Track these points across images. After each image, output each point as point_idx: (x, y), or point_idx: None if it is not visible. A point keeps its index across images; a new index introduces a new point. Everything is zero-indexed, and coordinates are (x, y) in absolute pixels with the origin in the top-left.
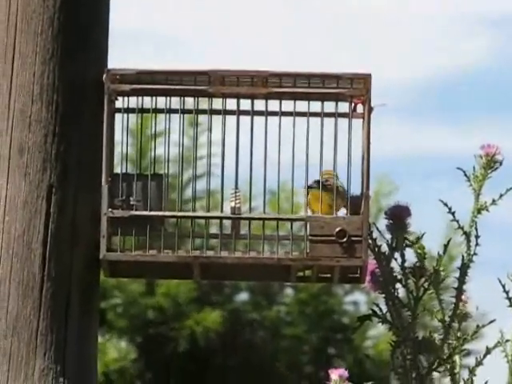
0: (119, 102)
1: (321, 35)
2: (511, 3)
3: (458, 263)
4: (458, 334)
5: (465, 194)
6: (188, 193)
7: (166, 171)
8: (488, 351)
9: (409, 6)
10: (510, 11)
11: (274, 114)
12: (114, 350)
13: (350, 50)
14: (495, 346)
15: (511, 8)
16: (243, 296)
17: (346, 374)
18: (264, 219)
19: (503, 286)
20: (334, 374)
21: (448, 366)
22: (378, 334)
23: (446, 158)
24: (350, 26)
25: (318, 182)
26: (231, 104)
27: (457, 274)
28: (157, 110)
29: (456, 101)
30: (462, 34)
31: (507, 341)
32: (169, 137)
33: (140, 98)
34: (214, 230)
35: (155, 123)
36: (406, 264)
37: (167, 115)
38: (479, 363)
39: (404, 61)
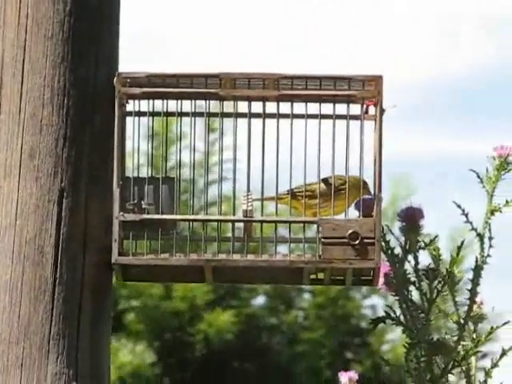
0: (130, 106)
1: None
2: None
3: (466, 264)
4: (474, 336)
5: (472, 196)
6: (202, 198)
7: (178, 175)
8: (504, 353)
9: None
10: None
11: (285, 116)
12: (131, 353)
13: (359, 51)
14: (511, 348)
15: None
16: (260, 300)
17: (355, 376)
18: (276, 222)
19: None
20: (344, 377)
21: (464, 368)
22: (396, 337)
23: (455, 161)
24: (357, 26)
25: (289, 190)
26: (242, 107)
27: (466, 275)
28: (168, 114)
29: (468, 103)
30: (471, 34)
31: None
32: (180, 140)
33: (151, 101)
34: (229, 233)
35: (167, 127)
36: (419, 266)
37: (179, 118)
38: (495, 365)
39: (415, 61)
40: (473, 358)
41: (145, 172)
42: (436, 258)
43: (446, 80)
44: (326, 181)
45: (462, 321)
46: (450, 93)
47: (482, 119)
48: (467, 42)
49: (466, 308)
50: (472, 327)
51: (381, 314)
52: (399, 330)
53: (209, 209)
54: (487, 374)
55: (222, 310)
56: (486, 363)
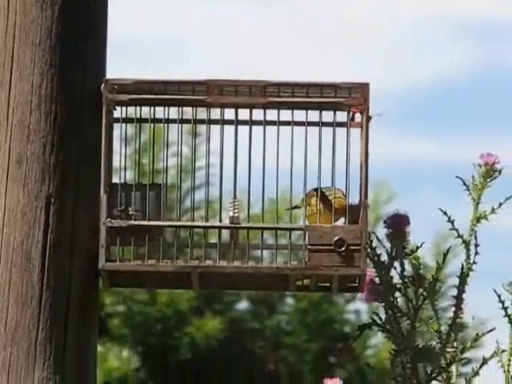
0: (117, 112)
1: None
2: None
3: (449, 269)
4: (455, 344)
5: (447, 201)
6: (187, 203)
7: (165, 181)
8: (484, 361)
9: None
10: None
11: (272, 123)
12: (116, 358)
13: (334, 56)
14: (491, 357)
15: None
16: (243, 305)
17: (340, 383)
18: (263, 228)
19: (499, 296)
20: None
21: (444, 376)
22: (379, 342)
23: (428, 167)
24: (336, 33)
25: (316, 189)
26: (229, 114)
27: (450, 281)
28: (155, 120)
29: (443, 110)
30: (449, 40)
31: (503, 351)
32: (167, 146)
33: (138, 107)
34: (213, 239)
35: (154, 133)
36: (406, 273)
37: (165, 125)
38: (476, 373)
39: (398, 67)
40: (454, 366)
41: (129, 178)
42: (416, 266)
43: (419, 86)
44: (325, 197)
45: (448, 327)
46: (424, 99)
47: (454, 125)
48: (444, 46)
49: (450, 314)
50: (455, 334)
51: (364, 318)
52: (382, 335)
53: (191, 214)
54: (468, 381)
55: (212, 316)
56: (471, 369)
